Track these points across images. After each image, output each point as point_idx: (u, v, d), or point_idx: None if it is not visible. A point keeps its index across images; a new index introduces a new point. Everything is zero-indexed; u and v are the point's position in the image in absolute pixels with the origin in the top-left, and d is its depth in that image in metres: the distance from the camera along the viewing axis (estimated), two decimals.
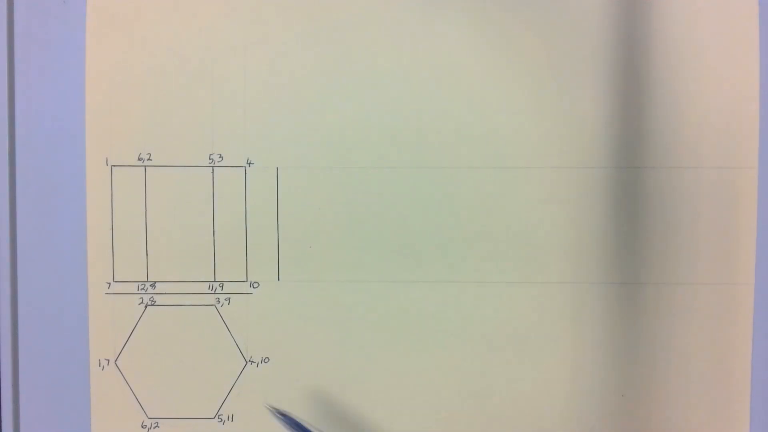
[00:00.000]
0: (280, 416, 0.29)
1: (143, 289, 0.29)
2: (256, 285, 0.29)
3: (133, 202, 0.29)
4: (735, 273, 0.29)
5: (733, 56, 0.28)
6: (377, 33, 0.29)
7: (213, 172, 0.29)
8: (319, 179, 0.29)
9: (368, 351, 0.29)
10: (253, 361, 0.29)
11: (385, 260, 0.29)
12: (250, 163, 0.29)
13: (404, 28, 0.28)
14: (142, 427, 0.29)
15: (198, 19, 0.29)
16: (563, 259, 0.29)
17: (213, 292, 0.29)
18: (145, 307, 0.29)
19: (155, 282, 0.29)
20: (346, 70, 0.29)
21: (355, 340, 0.29)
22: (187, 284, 0.29)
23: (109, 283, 0.29)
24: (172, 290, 0.29)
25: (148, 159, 0.29)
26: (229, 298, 0.29)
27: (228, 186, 0.29)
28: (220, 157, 0.29)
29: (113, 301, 0.29)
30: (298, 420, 0.29)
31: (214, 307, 0.29)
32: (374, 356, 0.29)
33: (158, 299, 0.29)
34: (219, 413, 0.29)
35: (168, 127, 0.29)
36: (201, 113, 0.29)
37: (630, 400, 0.29)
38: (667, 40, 0.28)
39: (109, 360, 0.29)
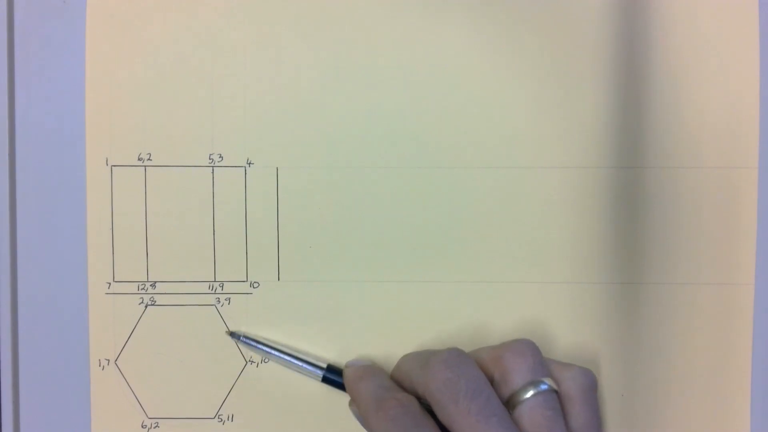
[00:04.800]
0: (246, 341, 0.29)
1: (143, 289, 0.29)
2: (256, 285, 0.29)
3: (133, 202, 0.29)
4: (735, 273, 0.29)
5: (733, 56, 0.28)
6: (377, 33, 0.29)
7: (213, 172, 0.29)
8: (319, 179, 0.29)
9: (368, 351, 0.29)
10: (253, 361, 0.29)
11: (385, 260, 0.29)
12: (250, 163, 0.29)
13: (404, 28, 0.28)
14: (142, 427, 0.29)
15: (198, 19, 0.29)
16: (563, 259, 0.29)
17: (213, 292, 0.29)
18: (146, 307, 0.29)
19: (155, 282, 0.29)
20: (346, 70, 0.29)
21: (354, 340, 0.29)
22: (187, 284, 0.29)
23: (110, 283, 0.29)
24: (172, 290, 0.29)
25: (148, 159, 0.29)
26: (229, 298, 0.29)
27: (228, 186, 0.29)
28: (220, 157, 0.29)
29: (113, 301, 0.29)
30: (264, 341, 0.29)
31: (214, 307, 0.29)
32: (374, 356, 0.29)
33: (158, 299, 0.29)
34: (219, 413, 0.29)
35: (168, 127, 0.29)
36: (201, 113, 0.29)
37: (630, 400, 0.29)
38: (667, 40, 0.28)
39: (109, 360, 0.29)
